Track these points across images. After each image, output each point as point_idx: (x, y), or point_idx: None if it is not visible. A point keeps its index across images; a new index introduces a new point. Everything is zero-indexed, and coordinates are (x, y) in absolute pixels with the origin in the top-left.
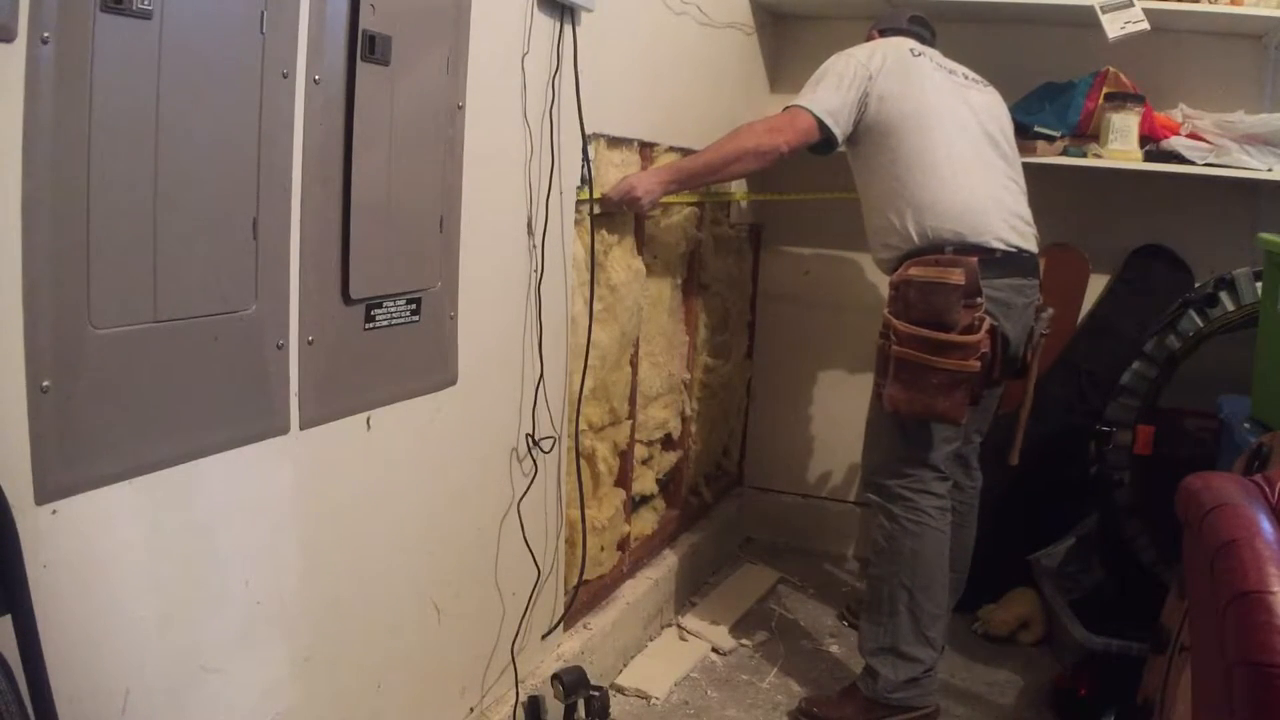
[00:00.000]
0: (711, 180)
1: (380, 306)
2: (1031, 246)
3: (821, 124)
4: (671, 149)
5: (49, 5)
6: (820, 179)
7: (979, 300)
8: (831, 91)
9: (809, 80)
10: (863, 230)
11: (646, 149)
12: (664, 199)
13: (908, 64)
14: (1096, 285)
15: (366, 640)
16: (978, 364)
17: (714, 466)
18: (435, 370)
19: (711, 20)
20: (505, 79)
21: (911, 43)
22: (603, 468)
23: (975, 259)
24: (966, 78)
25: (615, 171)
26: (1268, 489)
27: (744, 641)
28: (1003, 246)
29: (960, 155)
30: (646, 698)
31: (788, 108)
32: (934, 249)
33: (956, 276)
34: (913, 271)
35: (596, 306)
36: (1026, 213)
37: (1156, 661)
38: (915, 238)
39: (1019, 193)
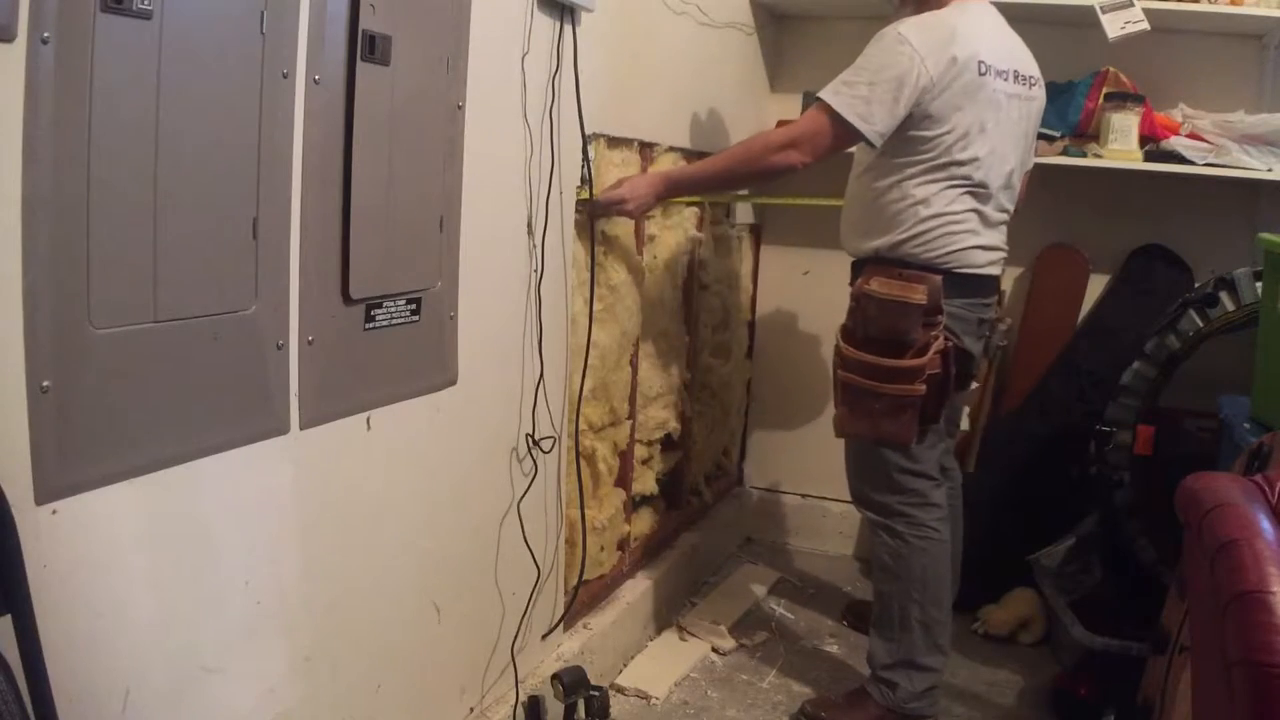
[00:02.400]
0: (715, 191)
1: (380, 306)
2: (998, 271)
3: (865, 138)
4: (671, 149)
5: (49, 5)
6: (819, 184)
7: (939, 319)
8: (887, 106)
9: (859, 65)
10: None
11: (646, 149)
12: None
13: (972, 86)
14: (1096, 285)
15: (366, 640)
16: (923, 388)
17: (714, 466)
18: (435, 370)
19: (711, 20)
20: (505, 79)
21: (982, 51)
22: (603, 468)
23: (939, 277)
24: (1018, 79)
25: (615, 171)
26: (1268, 489)
27: (744, 641)
28: (969, 272)
29: (973, 197)
30: (646, 698)
31: (822, 107)
32: (901, 265)
33: (919, 295)
34: (874, 286)
35: (596, 306)
36: (1004, 241)
37: (1156, 661)
38: (888, 256)
39: (1004, 223)
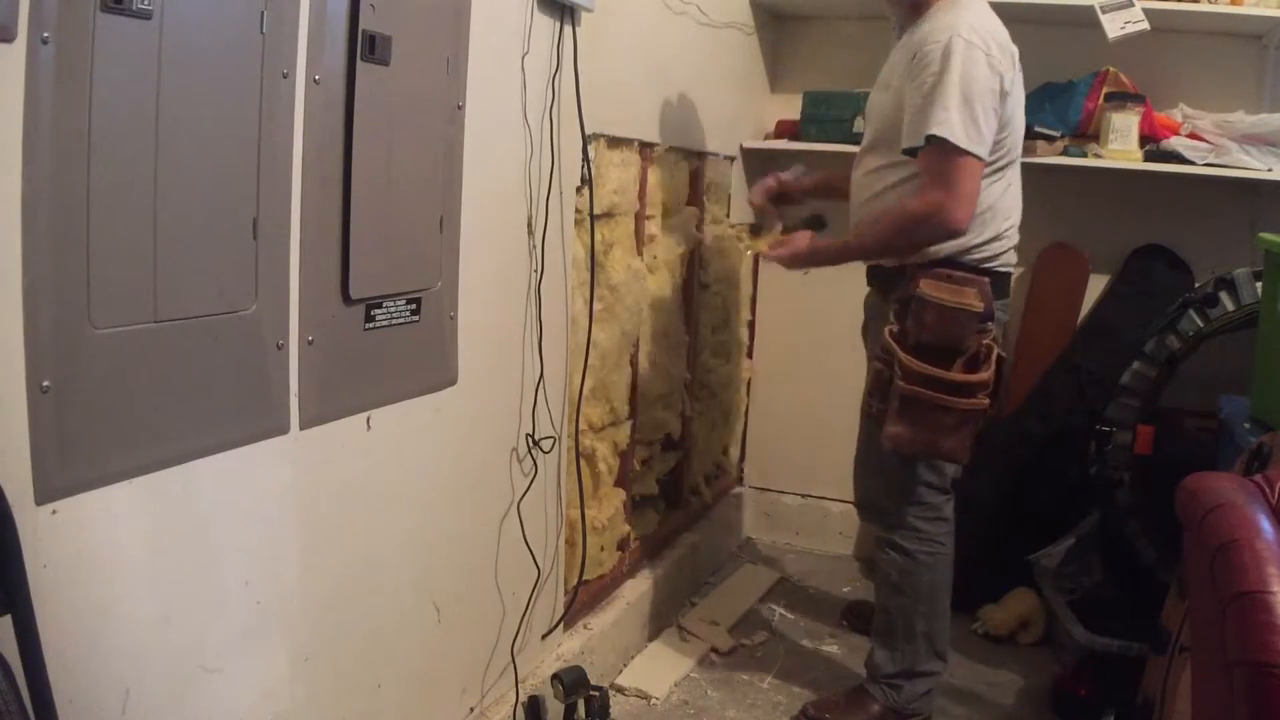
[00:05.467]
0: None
1: (380, 306)
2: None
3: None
4: (671, 149)
5: (49, 5)
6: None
7: (989, 325)
8: (991, 123)
9: (947, 84)
10: None
11: (646, 149)
12: (666, 199)
13: (1020, 82)
14: (1096, 285)
15: (366, 640)
16: (988, 400)
17: (714, 466)
18: (435, 370)
19: (711, 20)
20: (505, 79)
21: (1013, 45)
22: (603, 468)
23: (986, 280)
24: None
25: (615, 171)
26: (1268, 489)
27: (744, 641)
28: (1006, 271)
29: (1010, 192)
30: (646, 698)
31: (948, 148)
32: (948, 265)
33: (975, 302)
34: (927, 290)
35: (596, 306)
36: None
37: (1156, 661)
38: (935, 258)
39: None
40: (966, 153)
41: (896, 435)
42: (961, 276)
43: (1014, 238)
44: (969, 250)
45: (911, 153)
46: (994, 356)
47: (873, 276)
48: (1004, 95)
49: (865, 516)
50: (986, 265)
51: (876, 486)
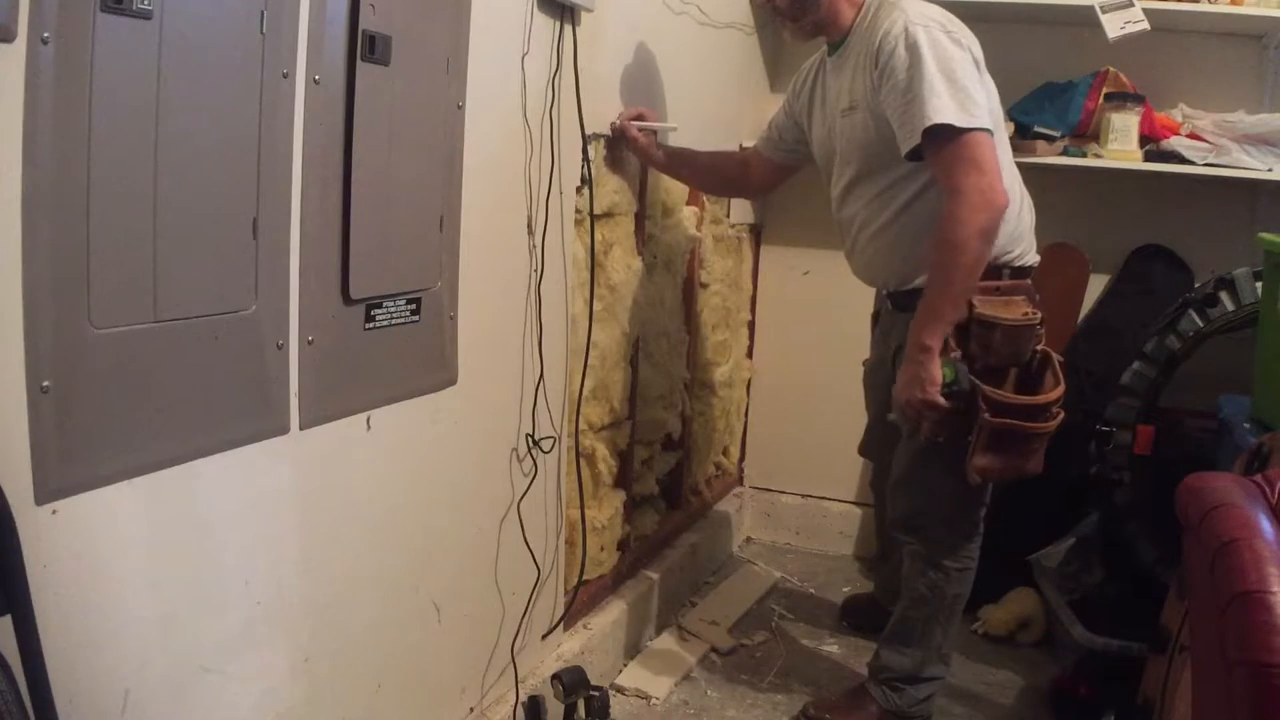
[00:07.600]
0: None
1: (380, 306)
2: None
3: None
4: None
5: (49, 5)
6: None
7: (1041, 331)
8: (979, 91)
9: (928, 72)
10: None
11: None
12: (666, 199)
13: (984, 63)
14: (1096, 285)
15: (366, 640)
16: (1063, 411)
17: (714, 466)
18: (435, 370)
19: (711, 20)
20: (505, 79)
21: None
22: (603, 468)
23: (1028, 282)
24: None
25: (615, 171)
26: (1268, 489)
27: (744, 641)
28: (1033, 263)
29: (1010, 161)
30: (646, 698)
31: (953, 133)
32: (994, 272)
33: (1032, 311)
34: (987, 311)
35: (596, 306)
36: None
37: (1156, 661)
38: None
39: None
40: (972, 129)
41: (985, 468)
42: (1008, 285)
43: (1028, 222)
44: (997, 255)
45: (916, 155)
46: (1056, 362)
47: (891, 304)
48: (979, 64)
49: (899, 533)
50: (1019, 264)
51: (922, 508)
